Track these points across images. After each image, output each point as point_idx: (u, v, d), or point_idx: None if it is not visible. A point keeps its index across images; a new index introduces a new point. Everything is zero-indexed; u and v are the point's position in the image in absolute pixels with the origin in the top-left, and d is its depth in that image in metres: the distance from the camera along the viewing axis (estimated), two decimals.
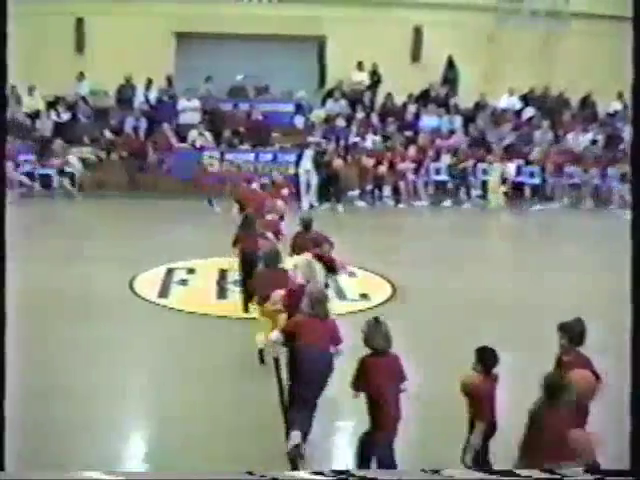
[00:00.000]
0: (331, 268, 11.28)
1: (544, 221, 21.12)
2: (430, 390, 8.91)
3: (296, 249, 11.51)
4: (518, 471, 5.78)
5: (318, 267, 10.25)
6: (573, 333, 6.94)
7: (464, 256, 15.98)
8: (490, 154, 22.74)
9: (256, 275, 10.62)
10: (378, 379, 7.07)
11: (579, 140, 23.57)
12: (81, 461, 7.38)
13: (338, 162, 21.64)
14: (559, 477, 5.73)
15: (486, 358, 6.85)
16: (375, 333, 7.12)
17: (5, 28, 5.44)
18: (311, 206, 20.87)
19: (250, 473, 5.67)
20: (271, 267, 10.25)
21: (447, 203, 21.99)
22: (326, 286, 10.81)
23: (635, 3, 5.44)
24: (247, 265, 11.79)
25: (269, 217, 13.40)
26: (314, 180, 21.51)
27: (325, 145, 22.29)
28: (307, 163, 21.56)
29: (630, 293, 5.51)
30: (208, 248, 15.85)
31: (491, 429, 6.81)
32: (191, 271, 14.51)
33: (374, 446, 7.14)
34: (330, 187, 21.54)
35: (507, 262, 16.49)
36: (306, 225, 12.12)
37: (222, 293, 13.42)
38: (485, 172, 22.40)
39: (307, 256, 10.43)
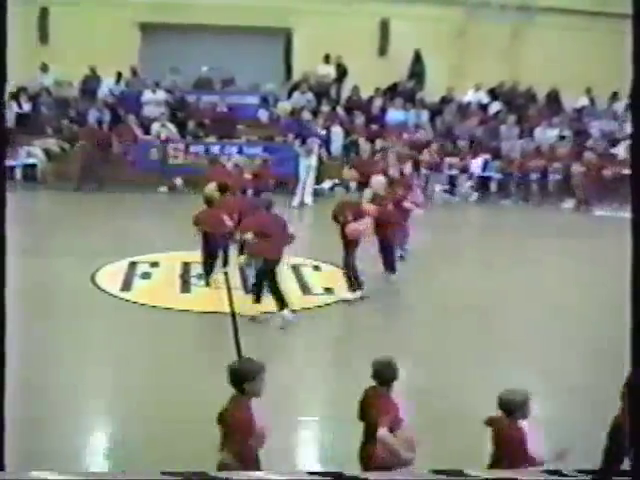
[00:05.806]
0: None
1: (513, 216, 21.02)
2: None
3: None
4: (517, 471, 5.69)
5: None
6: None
7: (433, 253, 15.73)
8: (457, 149, 22.75)
9: None
10: None
11: (546, 135, 23.57)
12: (40, 460, 7.13)
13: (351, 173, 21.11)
14: (558, 477, 5.69)
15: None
16: None
17: (5, 28, 5.22)
18: (302, 204, 20.69)
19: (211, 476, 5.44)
20: None
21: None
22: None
23: (635, 1, 5.40)
24: None
25: None
26: (312, 177, 21.19)
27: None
28: (312, 159, 21.25)
29: (630, 293, 5.39)
30: (172, 241, 15.69)
31: None
32: (154, 264, 14.30)
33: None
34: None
35: (477, 259, 16.27)
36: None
37: (185, 287, 13.25)
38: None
39: None
